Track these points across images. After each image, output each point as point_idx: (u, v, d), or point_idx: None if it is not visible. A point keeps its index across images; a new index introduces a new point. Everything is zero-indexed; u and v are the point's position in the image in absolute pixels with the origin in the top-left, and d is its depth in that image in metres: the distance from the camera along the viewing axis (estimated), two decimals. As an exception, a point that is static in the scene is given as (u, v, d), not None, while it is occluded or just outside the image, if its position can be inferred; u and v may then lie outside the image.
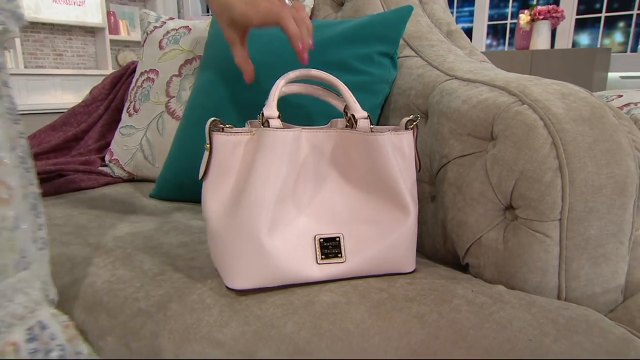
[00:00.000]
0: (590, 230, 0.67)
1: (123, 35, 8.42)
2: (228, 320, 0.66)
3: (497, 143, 0.72)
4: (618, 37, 5.25)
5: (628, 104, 1.36)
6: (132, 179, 1.41)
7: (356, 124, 0.80)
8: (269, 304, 0.68)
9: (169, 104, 1.34)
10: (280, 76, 0.81)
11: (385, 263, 0.78)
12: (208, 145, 0.76)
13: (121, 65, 8.36)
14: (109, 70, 7.98)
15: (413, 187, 0.80)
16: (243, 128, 0.77)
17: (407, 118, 0.81)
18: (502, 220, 0.73)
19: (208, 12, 8.41)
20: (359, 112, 0.81)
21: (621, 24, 5.22)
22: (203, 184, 0.77)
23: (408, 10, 1.00)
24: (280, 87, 0.80)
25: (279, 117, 0.77)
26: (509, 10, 5.89)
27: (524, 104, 0.72)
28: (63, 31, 8.10)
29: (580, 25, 5.37)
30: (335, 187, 0.81)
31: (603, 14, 5.23)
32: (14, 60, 7.29)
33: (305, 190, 0.79)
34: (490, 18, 5.98)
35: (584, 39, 5.41)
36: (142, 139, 1.36)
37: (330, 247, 0.78)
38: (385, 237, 0.78)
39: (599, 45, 5.32)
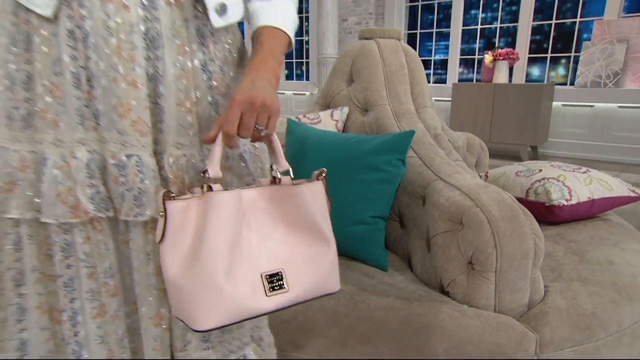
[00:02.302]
0: (510, 276, 1.05)
1: None
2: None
3: (463, 227, 1.09)
4: (561, 70, 5.46)
5: (544, 178, 1.59)
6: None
7: (279, 181, 0.80)
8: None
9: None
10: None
11: (319, 286, 0.79)
12: (162, 212, 0.70)
13: None
14: None
15: (329, 223, 0.81)
16: (191, 194, 0.74)
17: (317, 172, 0.83)
18: (466, 269, 1.09)
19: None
20: (282, 167, 0.80)
21: (563, 61, 5.44)
22: (161, 246, 0.72)
23: (412, 133, 1.34)
24: (219, 142, 0.73)
25: (220, 179, 0.74)
26: (477, 45, 6.06)
27: (477, 206, 1.10)
28: None
29: (532, 61, 5.57)
30: (272, 231, 0.79)
31: (549, 54, 5.44)
32: None
33: (249, 237, 0.76)
34: (462, 52, 6.11)
35: (536, 71, 5.59)
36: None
37: (275, 281, 0.77)
38: (317, 265, 0.79)
39: (546, 77, 5.52)
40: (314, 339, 1.04)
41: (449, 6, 6.09)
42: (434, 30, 6.37)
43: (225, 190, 0.71)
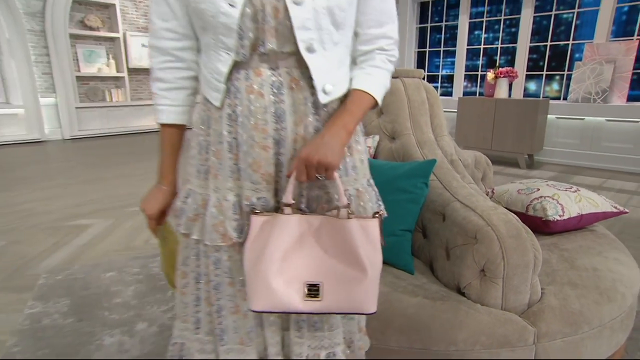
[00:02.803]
0: (514, 282, 1.21)
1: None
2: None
3: (477, 242, 1.24)
4: (555, 86, 5.53)
5: (541, 196, 1.70)
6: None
7: (339, 212, 0.86)
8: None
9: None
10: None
11: (353, 305, 0.85)
12: (247, 222, 0.86)
13: None
14: None
15: (373, 254, 0.85)
16: (270, 214, 0.86)
17: (375, 211, 0.92)
18: (479, 276, 1.25)
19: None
20: (342, 203, 0.85)
21: (557, 78, 5.50)
22: (244, 245, 0.86)
23: (434, 161, 1.50)
24: (292, 181, 0.84)
25: (292, 204, 0.85)
26: (480, 62, 6.15)
27: (489, 225, 1.25)
28: None
29: (529, 77, 5.67)
30: (321, 252, 0.86)
31: (544, 72, 5.53)
32: (124, 94, 7.54)
33: (301, 252, 0.85)
34: (466, 68, 6.23)
35: (532, 86, 5.69)
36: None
37: (313, 290, 0.84)
38: (351, 287, 0.84)
39: (542, 92, 5.58)
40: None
41: (455, 27, 6.20)
42: (442, 48, 6.48)
43: (295, 214, 0.84)
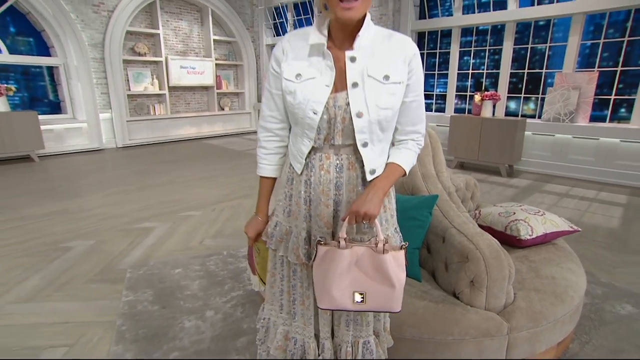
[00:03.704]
0: (494, 290, 1.45)
1: (224, 89, 8.72)
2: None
3: (468, 261, 1.48)
4: (532, 105, 5.66)
5: (516, 219, 1.89)
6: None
7: (376, 246, 1.03)
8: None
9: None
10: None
11: (386, 306, 1.05)
12: (315, 250, 1.06)
13: (222, 108, 8.75)
14: (217, 111, 8.39)
15: (399, 276, 1.03)
16: (331, 243, 1.05)
17: (402, 244, 1.10)
18: (469, 285, 1.48)
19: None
20: (380, 239, 1.03)
21: (533, 98, 5.65)
22: (313, 264, 1.07)
23: (437, 197, 1.73)
24: (345, 225, 1.03)
25: (345, 238, 1.03)
26: (469, 84, 6.27)
27: (477, 249, 1.51)
28: (191, 89, 8.32)
29: (510, 98, 5.82)
30: (364, 272, 1.05)
31: (522, 95, 5.65)
32: (165, 108, 7.74)
33: (354, 272, 1.04)
34: (457, 88, 6.34)
35: (513, 104, 5.83)
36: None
37: (360, 297, 1.04)
38: (384, 297, 1.04)
39: (520, 110, 5.70)
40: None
41: (447, 53, 6.35)
42: (436, 72, 6.62)
43: (346, 246, 1.03)
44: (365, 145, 1.07)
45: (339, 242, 1.02)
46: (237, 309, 2.19)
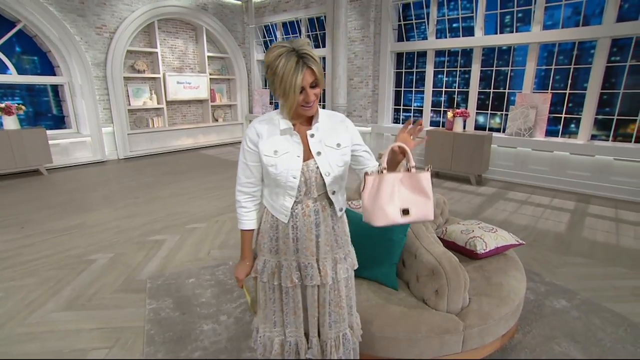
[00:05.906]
0: (454, 297, 1.76)
1: (218, 102, 8.79)
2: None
3: (434, 275, 1.79)
4: (497, 119, 6.00)
5: (474, 237, 2.15)
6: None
7: (412, 169, 1.17)
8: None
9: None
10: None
11: (425, 216, 1.15)
12: (363, 182, 1.18)
13: (217, 120, 8.90)
14: (211, 123, 8.50)
15: (430, 189, 1.15)
16: (375, 173, 1.17)
17: (427, 166, 1.20)
18: (435, 293, 1.78)
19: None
20: (411, 164, 1.17)
21: (499, 114, 6.00)
22: (362, 193, 1.16)
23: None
24: (387, 153, 1.16)
25: (386, 168, 1.17)
26: (442, 99, 6.58)
27: (440, 265, 1.84)
28: (187, 103, 8.40)
29: (479, 113, 6.14)
30: (407, 190, 1.15)
31: (489, 111, 5.99)
32: (163, 121, 7.82)
33: (399, 191, 1.14)
34: (432, 103, 6.64)
35: (481, 118, 6.17)
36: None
37: (406, 211, 1.14)
38: (423, 208, 1.15)
39: (487, 124, 6.02)
40: (366, 325, 1.70)
41: (423, 72, 6.65)
42: (413, 88, 6.89)
43: (389, 172, 1.15)
44: (334, 192, 1.36)
45: (382, 170, 1.18)
46: (245, 314, 2.44)
